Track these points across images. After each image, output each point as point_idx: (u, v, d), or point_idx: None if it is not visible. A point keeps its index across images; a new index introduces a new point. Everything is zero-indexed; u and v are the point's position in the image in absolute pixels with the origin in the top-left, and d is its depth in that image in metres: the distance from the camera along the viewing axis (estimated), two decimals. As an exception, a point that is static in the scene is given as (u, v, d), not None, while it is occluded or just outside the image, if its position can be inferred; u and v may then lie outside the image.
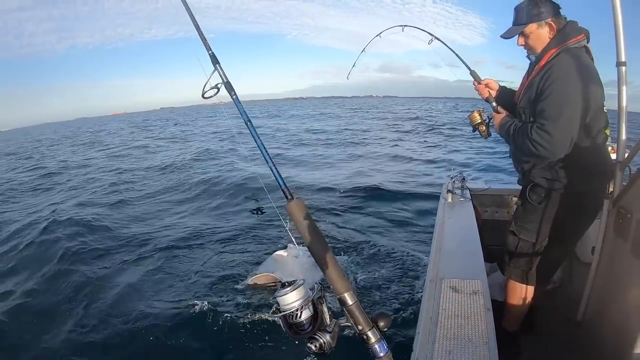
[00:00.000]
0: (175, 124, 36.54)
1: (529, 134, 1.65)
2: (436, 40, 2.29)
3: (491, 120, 2.06)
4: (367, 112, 41.01)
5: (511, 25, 1.79)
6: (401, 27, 2.49)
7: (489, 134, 2.12)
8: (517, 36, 1.79)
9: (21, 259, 4.89)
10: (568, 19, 1.73)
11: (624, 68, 1.71)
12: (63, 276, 4.22)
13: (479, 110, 2.12)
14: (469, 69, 2.12)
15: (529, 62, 1.87)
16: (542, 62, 1.72)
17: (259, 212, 6.50)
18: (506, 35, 1.81)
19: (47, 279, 4.21)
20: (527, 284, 1.96)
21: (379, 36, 2.59)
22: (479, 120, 2.12)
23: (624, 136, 1.78)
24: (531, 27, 1.72)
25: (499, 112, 1.95)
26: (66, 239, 5.22)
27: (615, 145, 1.84)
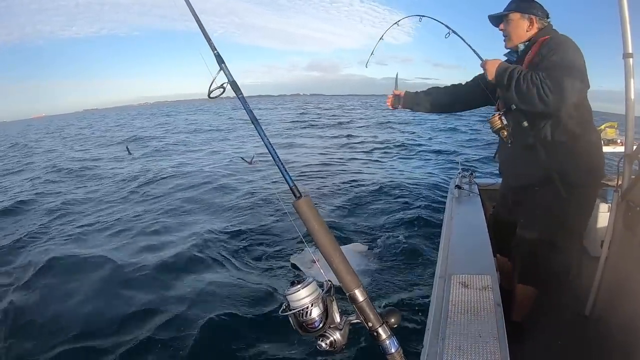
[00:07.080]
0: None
1: (540, 77, 1.57)
2: (453, 34, 2.15)
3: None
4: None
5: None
6: (419, 17, 2.40)
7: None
8: (504, 20, 1.88)
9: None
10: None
11: (631, 60, 1.69)
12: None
13: (498, 115, 2.00)
14: (480, 59, 2.03)
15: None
16: (536, 46, 1.76)
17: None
18: (492, 15, 1.91)
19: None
20: (535, 283, 1.96)
21: (397, 24, 2.48)
22: (500, 125, 1.99)
23: (632, 129, 1.77)
24: (515, 15, 1.83)
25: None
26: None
27: (623, 138, 1.83)
